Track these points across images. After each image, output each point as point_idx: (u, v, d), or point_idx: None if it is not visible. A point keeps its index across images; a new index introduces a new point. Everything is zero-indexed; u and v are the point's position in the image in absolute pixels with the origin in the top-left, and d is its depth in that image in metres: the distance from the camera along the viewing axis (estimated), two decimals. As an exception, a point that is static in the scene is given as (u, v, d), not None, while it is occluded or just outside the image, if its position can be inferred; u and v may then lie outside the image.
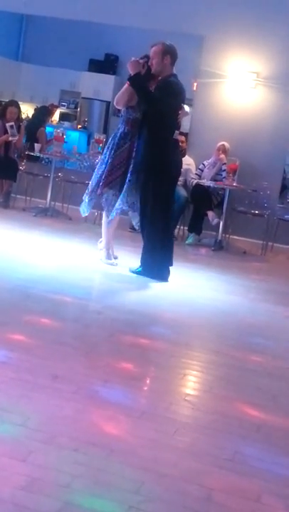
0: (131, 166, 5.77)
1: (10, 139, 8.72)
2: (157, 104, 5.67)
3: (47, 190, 8.69)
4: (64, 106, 12.72)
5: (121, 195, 5.78)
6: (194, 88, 9.54)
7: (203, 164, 8.73)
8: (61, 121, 12.41)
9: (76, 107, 12.76)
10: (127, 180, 5.77)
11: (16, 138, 8.76)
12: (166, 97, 5.67)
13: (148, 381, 3.61)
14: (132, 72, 5.75)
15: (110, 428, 2.80)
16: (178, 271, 6.05)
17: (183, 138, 9.07)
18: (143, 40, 11.09)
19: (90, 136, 11.54)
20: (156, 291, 5.59)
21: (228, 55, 9.04)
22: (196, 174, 8.74)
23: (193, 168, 8.86)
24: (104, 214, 6.11)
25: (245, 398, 3.43)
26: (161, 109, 5.66)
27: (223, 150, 8.66)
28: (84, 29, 10.71)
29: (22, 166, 9.22)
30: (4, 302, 4.55)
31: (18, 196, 9.16)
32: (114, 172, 5.82)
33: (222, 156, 8.60)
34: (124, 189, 5.77)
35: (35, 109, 10.99)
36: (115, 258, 6.14)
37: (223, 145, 8.68)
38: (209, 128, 9.10)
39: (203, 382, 3.67)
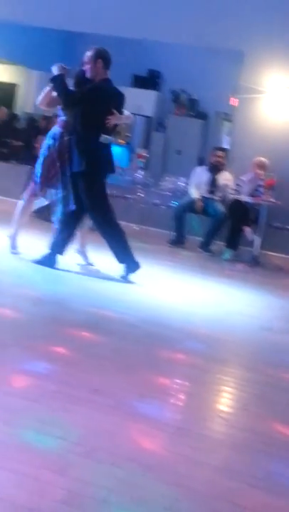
0: (64, 168, 5.89)
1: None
2: (74, 105, 5.75)
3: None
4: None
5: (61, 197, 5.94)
6: (232, 103, 9.61)
7: (242, 180, 8.77)
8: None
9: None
10: (63, 182, 5.91)
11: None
12: (90, 99, 5.72)
13: (183, 396, 3.66)
14: (55, 73, 5.84)
15: (147, 443, 2.86)
16: (214, 286, 6.10)
17: (221, 153, 9.15)
18: (185, 56, 11.26)
19: (131, 151, 11.65)
20: (192, 305, 5.65)
21: (267, 70, 9.08)
22: (234, 190, 8.78)
23: (231, 183, 8.90)
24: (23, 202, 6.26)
25: (280, 417, 3.46)
26: (81, 111, 5.73)
27: (261, 165, 8.68)
28: (128, 45, 10.84)
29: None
30: (45, 315, 4.66)
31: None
32: (51, 170, 5.95)
33: (259, 171, 8.63)
34: (62, 191, 5.92)
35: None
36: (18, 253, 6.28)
37: (260, 160, 8.70)
38: (249, 144, 9.12)
39: (237, 399, 3.71)
